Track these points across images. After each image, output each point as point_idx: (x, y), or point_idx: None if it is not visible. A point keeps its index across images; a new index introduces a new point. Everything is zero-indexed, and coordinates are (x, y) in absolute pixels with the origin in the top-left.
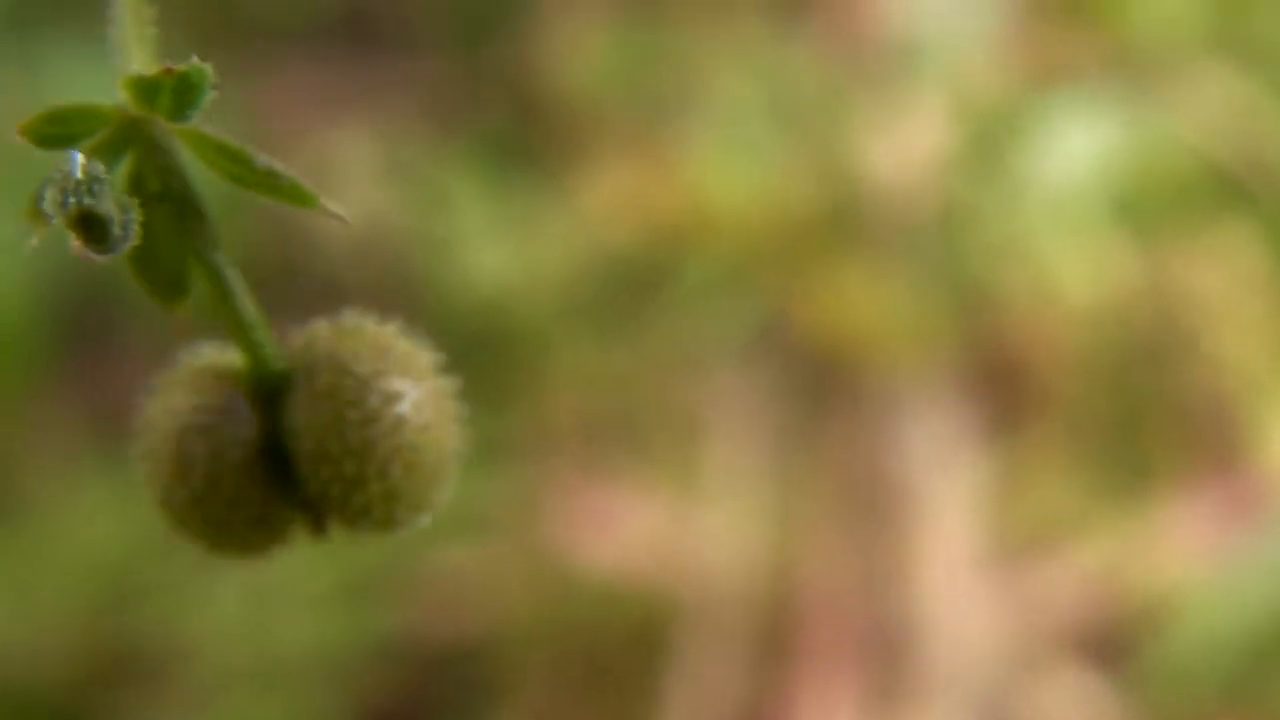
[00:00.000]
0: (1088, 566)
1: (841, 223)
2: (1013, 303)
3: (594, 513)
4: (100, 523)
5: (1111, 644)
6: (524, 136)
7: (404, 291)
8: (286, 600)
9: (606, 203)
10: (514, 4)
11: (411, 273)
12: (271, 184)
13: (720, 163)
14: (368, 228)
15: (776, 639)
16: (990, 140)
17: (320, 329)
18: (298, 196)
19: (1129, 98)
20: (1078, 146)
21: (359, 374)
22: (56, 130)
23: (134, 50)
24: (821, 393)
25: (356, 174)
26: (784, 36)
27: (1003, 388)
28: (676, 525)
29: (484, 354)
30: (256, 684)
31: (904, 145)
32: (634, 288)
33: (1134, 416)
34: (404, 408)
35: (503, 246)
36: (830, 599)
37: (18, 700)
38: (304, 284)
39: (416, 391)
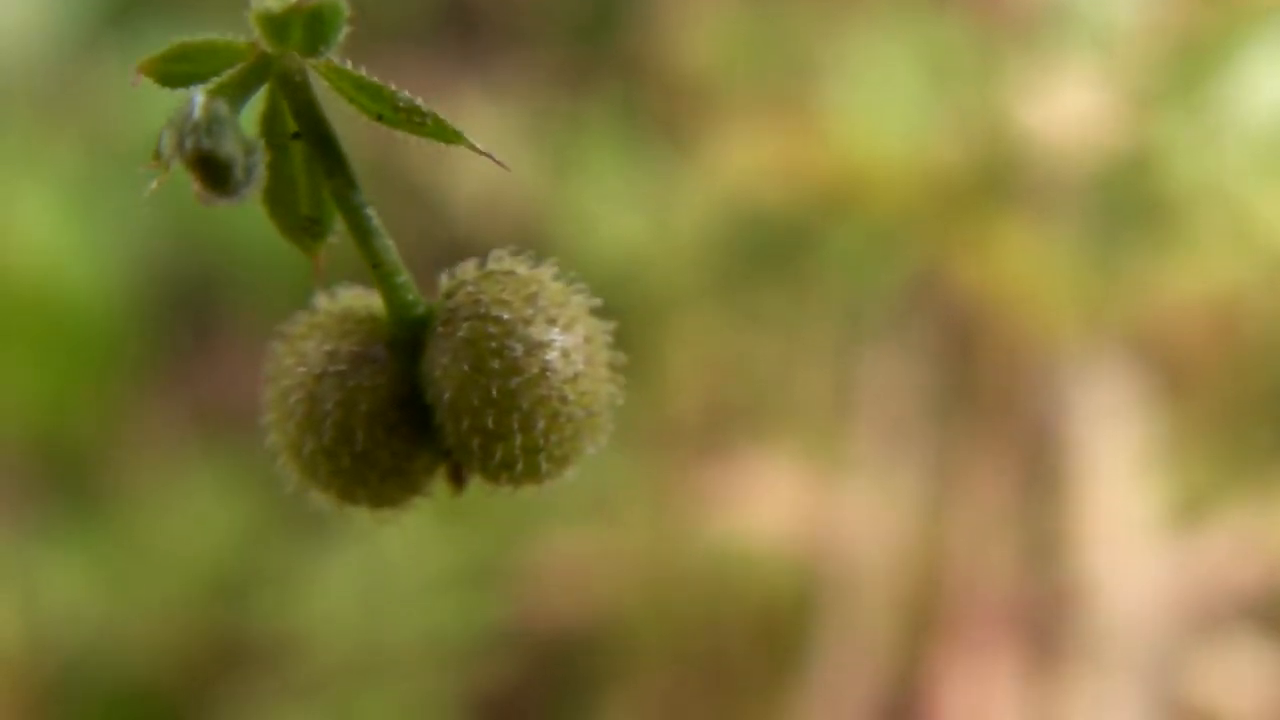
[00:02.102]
0: (1251, 535)
1: (994, 182)
2: (1178, 262)
3: (726, 486)
4: (207, 513)
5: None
6: (651, 108)
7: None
8: (398, 587)
9: (745, 165)
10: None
11: (538, 240)
12: (414, 121)
13: (869, 122)
14: (495, 192)
15: (928, 612)
16: (1173, 87)
17: (467, 272)
18: (441, 133)
19: None
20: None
21: (503, 320)
22: (182, 68)
23: None
24: (974, 357)
25: (483, 139)
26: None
27: (1163, 351)
28: (819, 496)
29: (613, 323)
30: (368, 672)
31: (1058, 104)
32: (775, 251)
33: None
34: (551, 356)
35: (636, 211)
36: (987, 568)
37: (130, 689)
38: (427, 252)
39: (565, 339)
